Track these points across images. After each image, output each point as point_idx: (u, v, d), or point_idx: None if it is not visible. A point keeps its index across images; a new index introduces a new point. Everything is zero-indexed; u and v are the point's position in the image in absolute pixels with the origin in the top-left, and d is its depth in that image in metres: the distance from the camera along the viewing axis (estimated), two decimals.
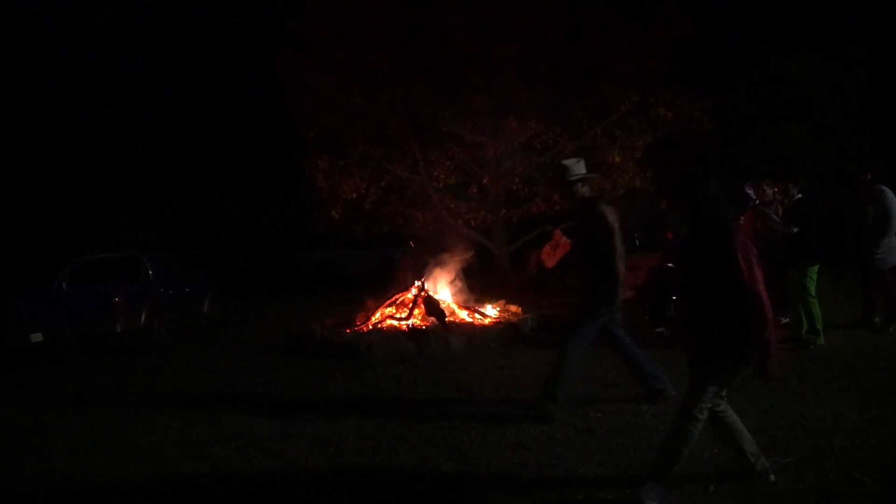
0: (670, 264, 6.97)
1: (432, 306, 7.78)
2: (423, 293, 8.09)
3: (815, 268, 6.05)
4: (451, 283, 8.70)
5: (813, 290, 6.03)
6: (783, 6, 15.02)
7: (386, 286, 8.84)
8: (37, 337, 7.90)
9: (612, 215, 4.39)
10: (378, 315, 8.13)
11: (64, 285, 8.94)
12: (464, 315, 8.16)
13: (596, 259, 4.42)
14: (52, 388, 6.71)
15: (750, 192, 6.98)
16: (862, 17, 15.15)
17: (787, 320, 6.77)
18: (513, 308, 8.60)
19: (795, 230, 6.04)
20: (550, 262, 13.44)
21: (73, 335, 8.04)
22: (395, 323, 7.76)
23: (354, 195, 12.84)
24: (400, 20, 12.75)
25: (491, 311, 8.41)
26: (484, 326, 7.77)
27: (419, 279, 8.35)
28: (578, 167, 4.61)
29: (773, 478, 3.16)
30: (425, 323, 7.62)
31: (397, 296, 8.35)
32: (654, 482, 3.06)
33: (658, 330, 6.96)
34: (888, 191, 6.45)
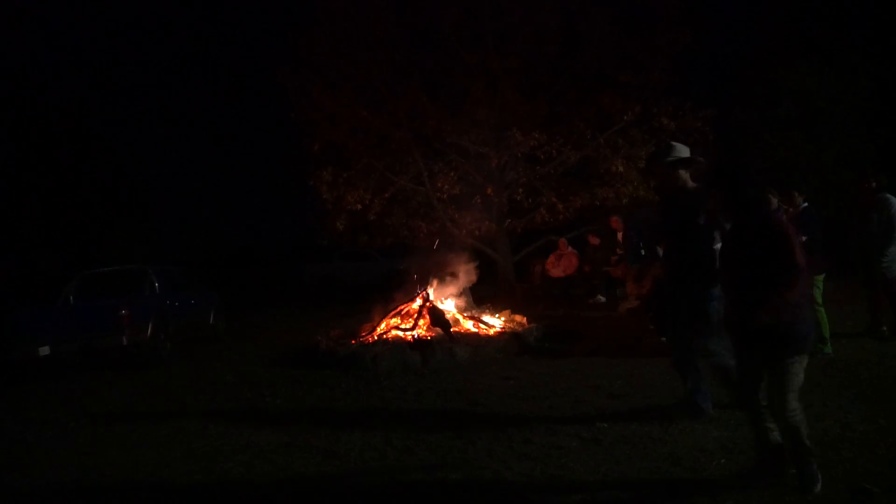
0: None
1: (437, 317, 7.79)
2: (427, 303, 8.10)
3: (822, 276, 6.04)
4: (456, 293, 8.71)
5: (820, 299, 6.01)
6: (784, 16, 15.09)
7: (391, 297, 8.83)
8: (44, 350, 7.92)
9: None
10: (383, 326, 8.13)
11: (71, 298, 8.98)
12: (469, 325, 8.16)
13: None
14: (59, 402, 6.73)
15: None
16: (863, 27, 15.19)
17: None
18: (517, 318, 8.60)
19: (804, 238, 6.02)
20: (555, 272, 13.44)
21: (80, 348, 8.06)
22: (401, 334, 7.77)
23: (359, 206, 12.88)
24: (401, 33, 12.85)
25: (496, 322, 8.41)
26: (489, 337, 7.77)
27: (424, 289, 8.35)
28: (679, 149, 4.42)
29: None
30: (430, 334, 7.62)
31: (402, 306, 8.35)
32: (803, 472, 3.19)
33: (663, 339, 6.94)
34: (893, 199, 6.44)
